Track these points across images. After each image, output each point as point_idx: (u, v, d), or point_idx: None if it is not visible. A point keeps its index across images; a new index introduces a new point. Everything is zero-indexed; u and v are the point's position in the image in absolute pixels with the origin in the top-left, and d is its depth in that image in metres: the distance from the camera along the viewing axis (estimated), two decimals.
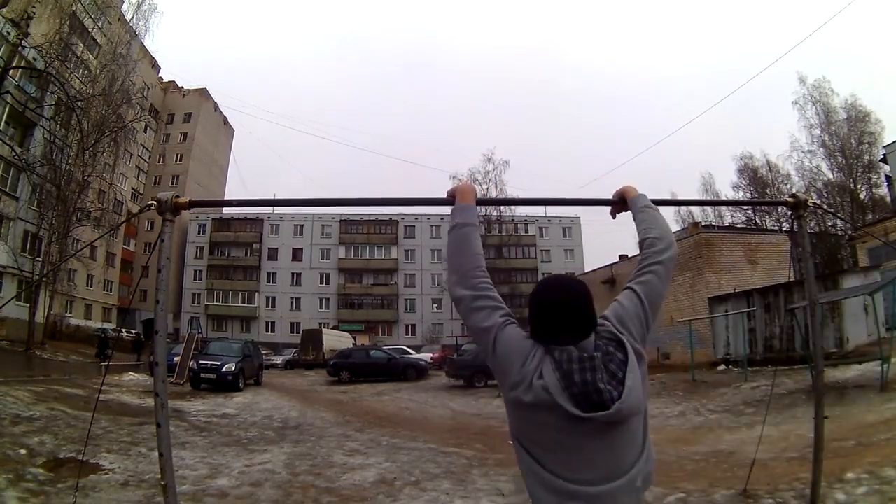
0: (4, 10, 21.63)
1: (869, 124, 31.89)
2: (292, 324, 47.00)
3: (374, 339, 42.03)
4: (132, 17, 28.83)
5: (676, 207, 40.49)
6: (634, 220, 1.67)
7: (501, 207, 40.08)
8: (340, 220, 49.93)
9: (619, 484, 1.20)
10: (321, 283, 49.47)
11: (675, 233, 25.77)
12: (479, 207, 1.66)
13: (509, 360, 1.27)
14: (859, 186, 32.25)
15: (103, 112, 25.00)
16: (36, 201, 25.14)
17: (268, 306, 48.82)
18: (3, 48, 21.99)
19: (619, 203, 1.79)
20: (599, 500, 1.19)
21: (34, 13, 22.23)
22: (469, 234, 1.47)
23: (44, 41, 21.49)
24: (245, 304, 48.50)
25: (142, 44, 32.21)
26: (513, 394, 1.24)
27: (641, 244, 1.58)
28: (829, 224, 30.56)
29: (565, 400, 1.15)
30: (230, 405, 11.48)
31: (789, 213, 2.85)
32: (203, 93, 51.30)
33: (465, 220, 1.50)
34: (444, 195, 1.72)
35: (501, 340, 1.31)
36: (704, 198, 40.36)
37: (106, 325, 37.67)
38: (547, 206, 42.57)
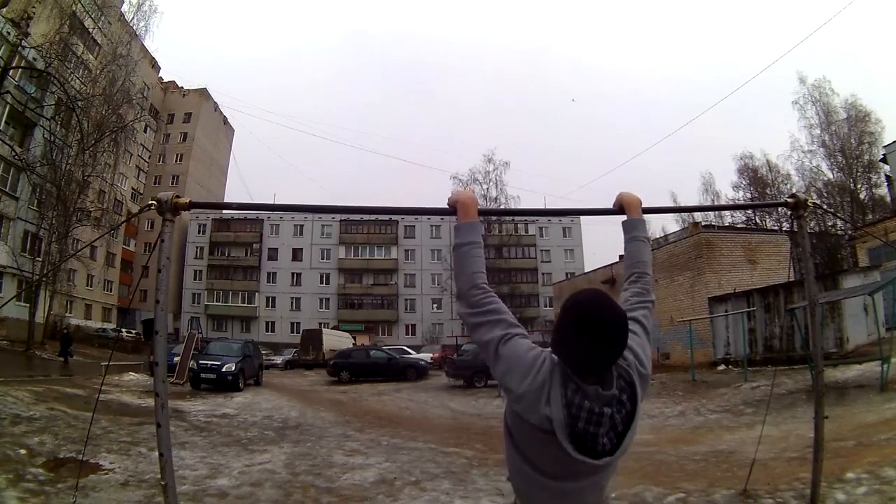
0: (4, 10, 21.62)
1: (869, 124, 31.93)
2: (292, 324, 47.02)
3: (374, 339, 42.03)
4: (132, 18, 28.87)
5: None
6: (625, 242, 1.72)
7: (502, 206, 40.13)
8: (340, 221, 49.93)
9: (586, 483, 1.28)
10: (321, 283, 49.48)
11: (674, 233, 25.71)
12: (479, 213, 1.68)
13: (511, 375, 1.28)
14: (859, 186, 32.27)
15: (103, 112, 25.03)
16: (36, 201, 25.17)
17: (268, 306, 48.84)
18: (3, 48, 22.00)
19: (619, 211, 1.82)
20: (568, 495, 1.28)
21: (34, 13, 22.24)
22: (466, 254, 1.48)
23: (44, 41, 21.50)
24: (245, 304, 48.51)
25: (142, 44, 32.24)
26: (517, 407, 1.26)
27: (629, 276, 1.63)
28: (829, 224, 30.57)
29: (564, 437, 1.17)
30: (230, 405, 11.48)
31: (789, 213, 2.84)
32: (203, 93, 51.30)
33: (463, 240, 1.51)
34: (444, 198, 1.72)
35: (502, 355, 1.31)
36: (704, 197, 40.35)
37: (106, 325, 37.73)
38: (547, 207, 42.49)
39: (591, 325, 1.18)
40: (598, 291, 1.27)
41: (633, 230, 1.71)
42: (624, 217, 1.77)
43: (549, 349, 1.30)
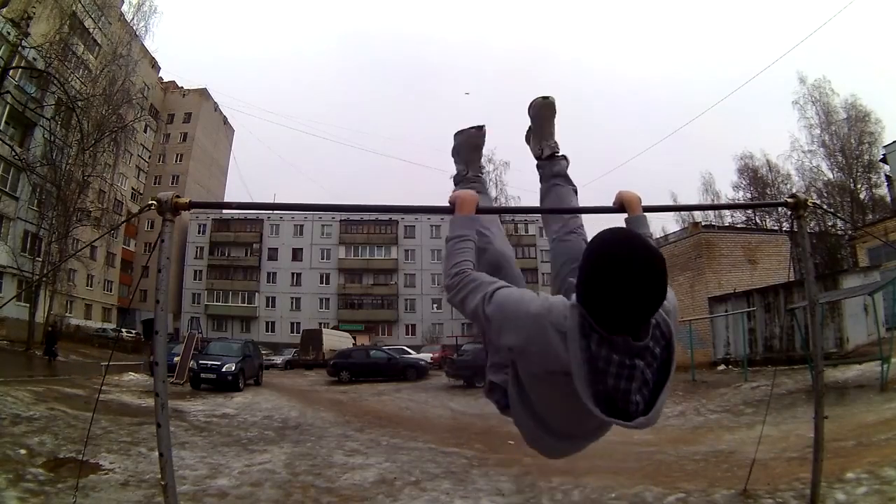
0: (4, 10, 21.63)
1: (869, 124, 31.98)
2: (292, 324, 47.00)
3: (374, 339, 42.03)
4: (133, 18, 28.88)
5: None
6: None
7: (502, 206, 40.12)
8: (340, 221, 49.94)
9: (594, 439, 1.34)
10: (321, 283, 49.48)
11: (674, 233, 25.62)
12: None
13: (506, 333, 1.19)
14: (859, 186, 32.30)
15: (103, 112, 25.03)
16: (36, 201, 25.17)
17: (268, 306, 48.83)
18: (3, 48, 22.00)
19: (619, 210, 1.81)
20: (569, 439, 1.32)
21: (34, 13, 22.24)
22: (454, 247, 1.50)
23: (44, 41, 21.51)
24: (245, 304, 48.50)
25: (142, 44, 32.25)
26: (524, 363, 1.20)
27: None
28: (829, 224, 30.60)
29: (588, 397, 1.04)
30: (230, 405, 11.48)
31: (789, 213, 2.84)
32: (203, 93, 51.29)
33: (453, 234, 1.53)
34: (444, 198, 1.72)
35: (490, 315, 1.24)
36: (704, 197, 40.41)
37: (106, 325, 37.74)
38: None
39: (633, 268, 1.00)
40: (628, 230, 1.14)
41: (637, 228, 1.71)
42: (625, 215, 1.77)
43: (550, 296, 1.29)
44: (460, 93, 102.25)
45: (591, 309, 1.06)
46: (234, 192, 57.45)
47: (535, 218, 49.63)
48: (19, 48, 21.54)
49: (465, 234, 1.52)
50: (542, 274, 48.64)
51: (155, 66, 44.42)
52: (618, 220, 1.82)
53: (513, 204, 38.81)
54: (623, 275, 1.00)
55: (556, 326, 1.09)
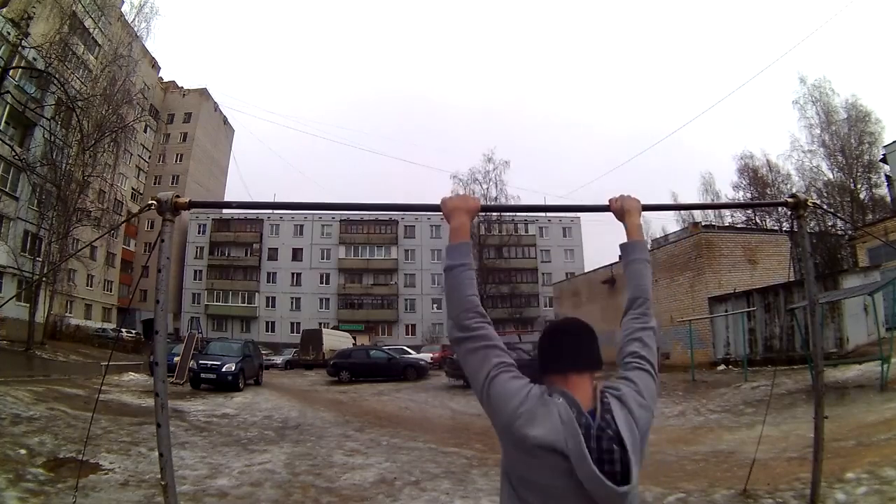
0: (4, 10, 21.63)
1: (869, 124, 31.96)
2: (292, 324, 47.00)
3: (374, 339, 42.01)
4: (133, 19, 28.85)
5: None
6: (626, 263, 1.64)
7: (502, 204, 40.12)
8: (340, 221, 49.93)
9: None
10: (321, 283, 49.47)
11: (674, 233, 25.44)
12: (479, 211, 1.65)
13: (503, 402, 1.23)
14: (859, 186, 32.28)
15: (103, 112, 25.01)
16: (36, 201, 25.15)
17: (268, 306, 48.81)
18: (3, 48, 22.00)
19: (618, 217, 1.74)
20: None
21: (34, 13, 22.25)
22: (457, 277, 1.43)
23: (44, 41, 21.51)
24: (245, 304, 48.49)
25: (142, 44, 32.24)
26: (517, 424, 1.19)
27: (630, 301, 1.55)
28: (829, 224, 30.58)
29: (590, 462, 1.10)
30: (230, 405, 11.47)
31: (789, 213, 2.84)
32: (203, 93, 51.32)
33: (453, 262, 1.45)
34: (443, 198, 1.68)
35: (491, 394, 1.27)
36: (704, 197, 40.40)
37: (106, 325, 37.73)
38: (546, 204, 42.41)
39: (560, 323, 1.39)
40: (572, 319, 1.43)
41: (632, 254, 1.63)
42: (624, 234, 1.69)
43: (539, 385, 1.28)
44: (461, 92, 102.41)
45: (543, 362, 1.31)
46: (233, 191, 57.45)
47: (535, 217, 49.76)
48: (19, 48, 21.53)
49: (469, 262, 1.47)
50: (542, 274, 48.68)
51: (155, 66, 44.46)
52: (619, 224, 1.79)
53: (512, 203, 38.81)
54: (554, 332, 1.36)
55: (550, 402, 1.21)
